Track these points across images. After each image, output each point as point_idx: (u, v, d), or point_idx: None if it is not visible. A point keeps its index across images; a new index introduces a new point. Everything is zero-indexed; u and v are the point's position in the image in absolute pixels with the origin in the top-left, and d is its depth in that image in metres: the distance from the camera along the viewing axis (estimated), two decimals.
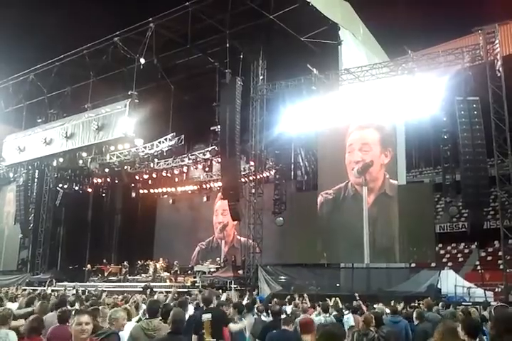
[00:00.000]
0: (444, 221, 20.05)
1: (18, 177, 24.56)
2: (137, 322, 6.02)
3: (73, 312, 4.59)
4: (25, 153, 23.33)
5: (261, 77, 18.48)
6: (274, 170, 20.09)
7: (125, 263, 21.44)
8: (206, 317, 6.08)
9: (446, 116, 15.16)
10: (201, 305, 7.11)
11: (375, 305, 9.25)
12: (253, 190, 18.53)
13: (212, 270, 19.23)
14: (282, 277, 17.11)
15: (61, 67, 20.90)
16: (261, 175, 18.96)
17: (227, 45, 17.51)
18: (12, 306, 7.46)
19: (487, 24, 14.51)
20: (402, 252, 15.39)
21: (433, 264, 16.56)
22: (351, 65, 16.49)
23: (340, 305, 9.56)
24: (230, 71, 17.73)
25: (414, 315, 7.13)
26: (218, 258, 20.95)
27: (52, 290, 16.67)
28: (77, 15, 21.12)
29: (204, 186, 23.18)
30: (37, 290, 17.48)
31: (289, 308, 9.51)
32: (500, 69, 14.22)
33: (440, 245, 19.38)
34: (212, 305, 6.60)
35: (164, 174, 22.70)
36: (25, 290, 16.90)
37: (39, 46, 22.02)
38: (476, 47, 14.73)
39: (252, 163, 19.46)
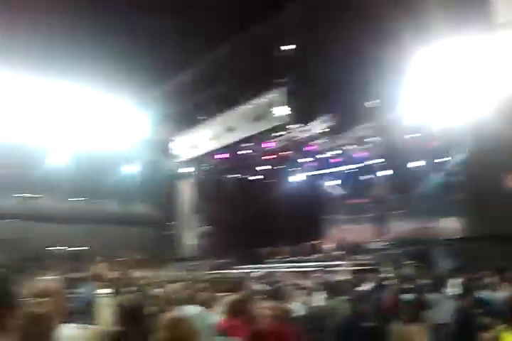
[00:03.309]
0: None
1: (192, 171, 26.87)
2: None
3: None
4: (195, 149, 25.65)
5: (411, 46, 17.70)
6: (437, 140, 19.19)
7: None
8: None
9: None
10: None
11: None
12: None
13: (384, 247, 19.10)
14: None
15: (214, 63, 22.40)
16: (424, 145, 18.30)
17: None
18: None
19: None
20: None
21: None
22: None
23: None
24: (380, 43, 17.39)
25: None
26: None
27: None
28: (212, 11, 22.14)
29: (366, 163, 22.93)
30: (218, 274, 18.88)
31: None
32: None
33: None
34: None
35: (326, 155, 22.95)
36: (208, 274, 18.50)
37: (194, 43, 23.52)
38: None
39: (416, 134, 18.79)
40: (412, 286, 8.12)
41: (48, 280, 3.72)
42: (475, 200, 15.82)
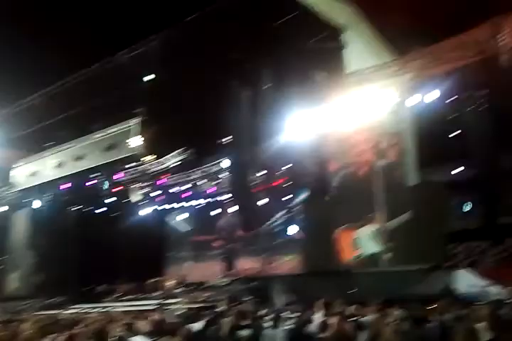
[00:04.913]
0: (456, 219, 19.32)
1: (30, 201, 24.64)
2: None
3: None
4: (36, 177, 23.66)
5: (266, 86, 18.43)
6: (283, 179, 19.85)
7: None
8: None
9: (455, 112, 15.05)
10: None
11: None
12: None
13: (224, 284, 18.79)
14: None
15: (67, 90, 21.17)
16: (271, 184, 18.83)
17: (232, 56, 17.60)
18: None
19: (494, 16, 14.35)
20: (414, 253, 14.78)
21: (446, 264, 15.80)
22: (358, 67, 16.35)
23: None
24: (237, 82, 17.82)
25: None
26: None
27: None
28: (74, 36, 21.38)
29: (215, 199, 22.91)
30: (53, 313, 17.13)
31: None
32: (507, 62, 14.09)
33: (454, 244, 18.61)
34: None
35: (176, 190, 22.56)
36: (40, 314, 16.64)
37: (40, 71, 22.26)
38: (484, 40, 14.55)
39: (263, 172, 19.31)
40: (249, 322, 8.04)
41: None
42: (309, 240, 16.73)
